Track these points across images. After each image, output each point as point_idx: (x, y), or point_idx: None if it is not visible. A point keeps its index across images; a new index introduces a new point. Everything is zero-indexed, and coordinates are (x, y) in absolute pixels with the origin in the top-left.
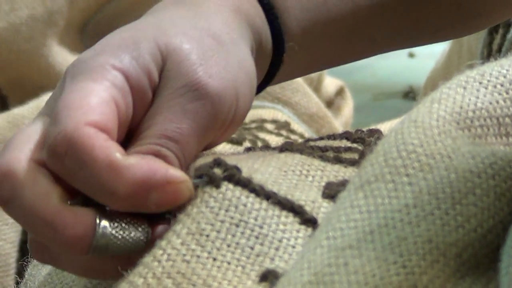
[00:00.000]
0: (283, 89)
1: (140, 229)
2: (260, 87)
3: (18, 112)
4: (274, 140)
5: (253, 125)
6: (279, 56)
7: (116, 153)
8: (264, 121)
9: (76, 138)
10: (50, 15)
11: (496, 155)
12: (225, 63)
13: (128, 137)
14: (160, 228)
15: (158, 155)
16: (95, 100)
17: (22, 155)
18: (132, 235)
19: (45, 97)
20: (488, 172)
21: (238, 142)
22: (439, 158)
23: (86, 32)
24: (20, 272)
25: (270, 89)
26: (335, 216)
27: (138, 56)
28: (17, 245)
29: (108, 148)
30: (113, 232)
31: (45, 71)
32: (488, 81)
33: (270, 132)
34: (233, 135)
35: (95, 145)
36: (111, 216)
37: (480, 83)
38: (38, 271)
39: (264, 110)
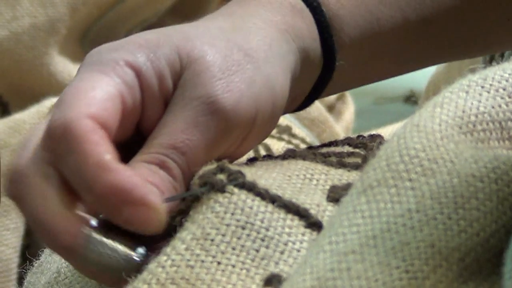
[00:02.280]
0: None
1: (135, 251)
2: (307, 102)
3: (19, 117)
4: (276, 145)
5: None
6: (328, 73)
7: (107, 154)
8: None
9: (73, 127)
10: (52, 23)
11: (498, 159)
12: (249, 80)
13: (139, 138)
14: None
15: (162, 166)
16: (101, 93)
17: (31, 153)
18: (123, 256)
19: (46, 102)
20: (490, 177)
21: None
22: (441, 163)
23: (87, 40)
24: (21, 278)
25: None
26: (337, 221)
27: (154, 59)
28: (18, 251)
29: (101, 147)
30: (105, 249)
31: (46, 80)
32: (491, 85)
33: (272, 137)
34: None
35: (89, 140)
36: (110, 233)
37: (483, 87)
38: (37, 278)
39: None
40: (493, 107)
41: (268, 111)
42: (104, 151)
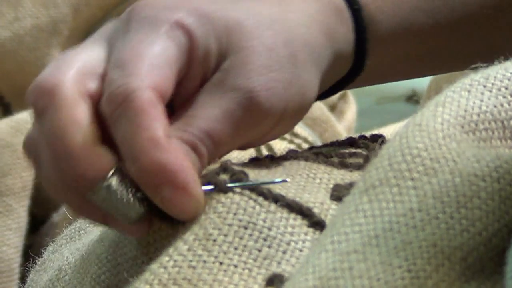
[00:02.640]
0: None
1: (140, 204)
2: (325, 94)
3: (21, 117)
4: (278, 144)
5: None
6: (355, 72)
7: (161, 130)
8: None
9: (135, 98)
10: (54, 24)
11: (501, 158)
12: (287, 82)
13: None
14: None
15: (195, 149)
16: (160, 60)
17: (72, 76)
18: (129, 202)
19: None
20: (493, 176)
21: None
22: (443, 162)
23: None
24: (24, 277)
25: None
26: (339, 221)
27: (206, 30)
28: (20, 250)
29: (157, 122)
30: (117, 190)
31: None
32: (493, 84)
33: None
34: None
35: (148, 113)
36: (126, 179)
37: (485, 86)
38: (39, 276)
39: None
40: (495, 106)
41: (295, 112)
42: (159, 127)
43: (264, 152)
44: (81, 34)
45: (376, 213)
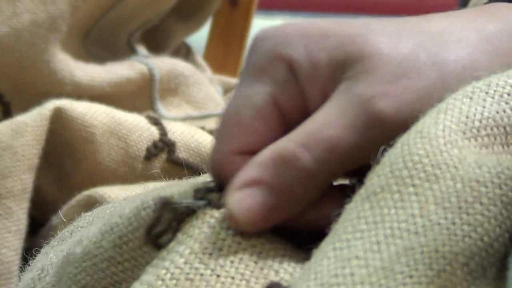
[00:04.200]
0: None
1: None
2: None
3: (21, 119)
4: None
5: None
6: None
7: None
8: None
9: (220, 169)
10: (52, 20)
11: (502, 164)
12: (423, 93)
13: None
14: None
15: (291, 158)
16: (249, 113)
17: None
18: None
19: (48, 105)
20: (494, 182)
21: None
22: (445, 168)
23: (89, 38)
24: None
25: None
26: (341, 228)
27: (311, 48)
28: (20, 253)
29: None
30: None
31: (47, 77)
32: (495, 91)
33: None
34: None
35: (232, 176)
36: None
37: (487, 93)
38: (26, 276)
39: None
40: (497, 112)
41: None
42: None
43: None
44: (80, 31)
45: (378, 219)
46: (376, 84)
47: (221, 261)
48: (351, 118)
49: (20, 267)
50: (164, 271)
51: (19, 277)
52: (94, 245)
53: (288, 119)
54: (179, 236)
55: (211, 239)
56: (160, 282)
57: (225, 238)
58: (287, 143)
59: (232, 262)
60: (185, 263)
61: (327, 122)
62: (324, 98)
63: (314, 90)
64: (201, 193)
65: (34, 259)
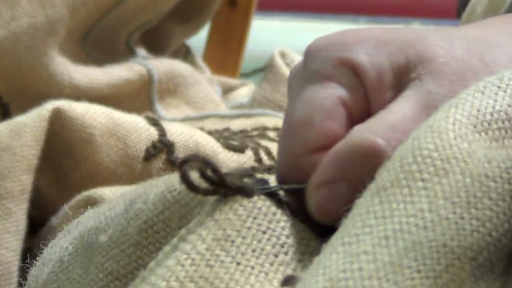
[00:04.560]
0: (285, 97)
1: None
2: None
3: (20, 120)
4: (276, 148)
5: (255, 133)
6: None
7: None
8: (266, 128)
9: (297, 169)
10: (51, 24)
11: None
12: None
13: None
14: None
15: (369, 149)
16: (321, 115)
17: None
18: None
19: (47, 105)
20: (503, 177)
21: (240, 150)
22: (454, 163)
23: (88, 42)
24: (21, 280)
25: (272, 96)
26: (351, 223)
27: (372, 53)
28: (19, 254)
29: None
30: None
31: (46, 80)
32: (507, 84)
33: (272, 140)
34: (235, 143)
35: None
36: None
37: (499, 87)
38: (40, 271)
39: (266, 118)
40: (509, 106)
41: None
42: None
43: (263, 155)
44: (78, 34)
45: (387, 214)
46: (444, 84)
47: (243, 248)
48: (427, 115)
49: (19, 268)
50: (185, 256)
51: (19, 277)
52: (120, 232)
53: (355, 123)
54: (203, 216)
55: (236, 226)
56: (179, 268)
57: (251, 226)
58: (368, 135)
59: (253, 251)
60: (207, 249)
61: (405, 116)
62: (385, 103)
63: (378, 95)
64: (233, 180)
65: (40, 254)
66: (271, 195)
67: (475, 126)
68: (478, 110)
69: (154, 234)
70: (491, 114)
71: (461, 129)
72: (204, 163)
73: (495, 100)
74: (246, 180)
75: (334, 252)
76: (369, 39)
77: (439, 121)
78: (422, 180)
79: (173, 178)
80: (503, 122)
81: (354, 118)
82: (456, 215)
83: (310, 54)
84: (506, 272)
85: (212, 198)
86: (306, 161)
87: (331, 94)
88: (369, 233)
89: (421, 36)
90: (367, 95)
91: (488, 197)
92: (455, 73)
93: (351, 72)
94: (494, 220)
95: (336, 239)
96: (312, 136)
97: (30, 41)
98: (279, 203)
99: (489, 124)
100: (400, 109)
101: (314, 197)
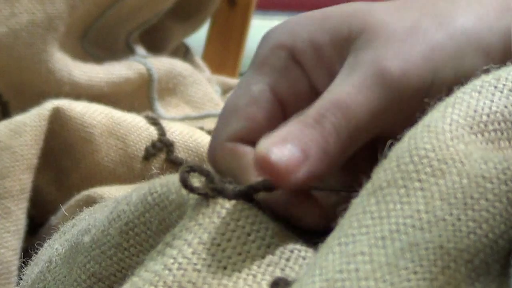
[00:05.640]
0: None
1: None
2: None
3: (20, 119)
4: None
5: None
6: None
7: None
8: None
9: (215, 155)
10: (50, 20)
11: (508, 160)
12: (430, 48)
13: None
14: None
15: (318, 121)
16: (245, 101)
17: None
18: None
19: (47, 104)
20: (500, 178)
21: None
22: (451, 163)
23: (87, 38)
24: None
25: None
26: (347, 223)
27: (311, 30)
28: (18, 253)
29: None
30: None
31: (45, 77)
32: (504, 85)
33: None
34: None
35: (229, 163)
36: None
37: (495, 87)
38: (31, 270)
39: None
40: (505, 107)
41: (451, 76)
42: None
43: None
44: (78, 31)
45: (383, 214)
46: (382, 48)
47: (228, 252)
48: (362, 81)
49: (19, 267)
50: (171, 260)
51: (19, 276)
52: (102, 233)
53: (288, 106)
54: (187, 221)
55: (221, 229)
56: (167, 272)
57: (235, 229)
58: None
59: (239, 254)
60: (193, 253)
61: (342, 90)
62: (332, 77)
63: (320, 72)
64: (214, 184)
65: (35, 254)
66: (247, 196)
67: (471, 127)
68: (475, 111)
69: (135, 237)
70: (488, 115)
71: (458, 130)
72: (191, 168)
73: (492, 101)
74: (227, 182)
75: (331, 252)
76: (313, 18)
77: (436, 120)
78: (419, 180)
79: (158, 180)
80: (499, 124)
81: (290, 103)
82: (452, 217)
83: (260, 41)
84: (502, 273)
85: (191, 202)
86: (228, 148)
87: (261, 80)
88: (365, 233)
89: (368, 8)
90: (308, 74)
91: (485, 199)
92: (398, 37)
93: (286, 54)
94: (490, 222)
95: (332, 239)
96: (232, 122)
97: (29, 37)
98: (258, 204)
99: (485, 126)
100: (336, 85)
101: (267, 150)
